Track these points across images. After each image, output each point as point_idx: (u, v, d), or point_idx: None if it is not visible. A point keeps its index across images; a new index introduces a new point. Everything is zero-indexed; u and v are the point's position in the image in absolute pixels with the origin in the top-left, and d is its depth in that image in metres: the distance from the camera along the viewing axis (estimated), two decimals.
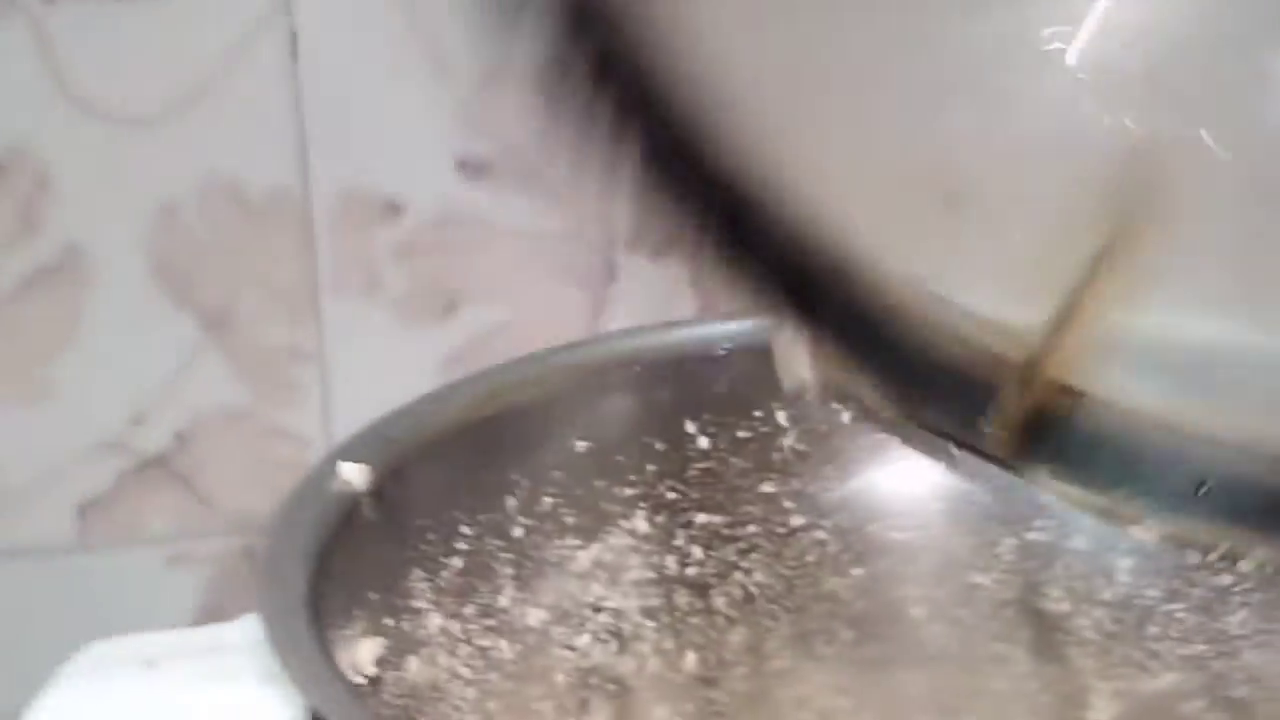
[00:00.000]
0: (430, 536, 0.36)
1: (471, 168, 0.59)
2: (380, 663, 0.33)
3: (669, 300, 0.61)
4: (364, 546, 0.34)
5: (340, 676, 0.28)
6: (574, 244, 0.60)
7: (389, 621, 0.34)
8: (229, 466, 0.60)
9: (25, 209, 0.56)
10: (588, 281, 0.61)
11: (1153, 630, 0.42)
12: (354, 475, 0.34)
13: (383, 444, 0.36)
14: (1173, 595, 0.42)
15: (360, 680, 0.32)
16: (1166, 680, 0.42)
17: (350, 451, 0.35)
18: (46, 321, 0.57)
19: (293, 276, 0.59)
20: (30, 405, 0.58)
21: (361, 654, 0.32)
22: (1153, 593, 0.42)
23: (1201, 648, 0.42)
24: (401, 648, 0.35)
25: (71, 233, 0.56)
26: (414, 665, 0.35)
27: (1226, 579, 0.41)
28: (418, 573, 0.36)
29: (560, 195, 0.59)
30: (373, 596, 0.34)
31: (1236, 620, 0.41)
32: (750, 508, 0.43)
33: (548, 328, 0.61)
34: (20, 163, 0.55)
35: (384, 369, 0.60)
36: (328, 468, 0.34)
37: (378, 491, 0.34)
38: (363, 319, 0.60)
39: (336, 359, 0.60)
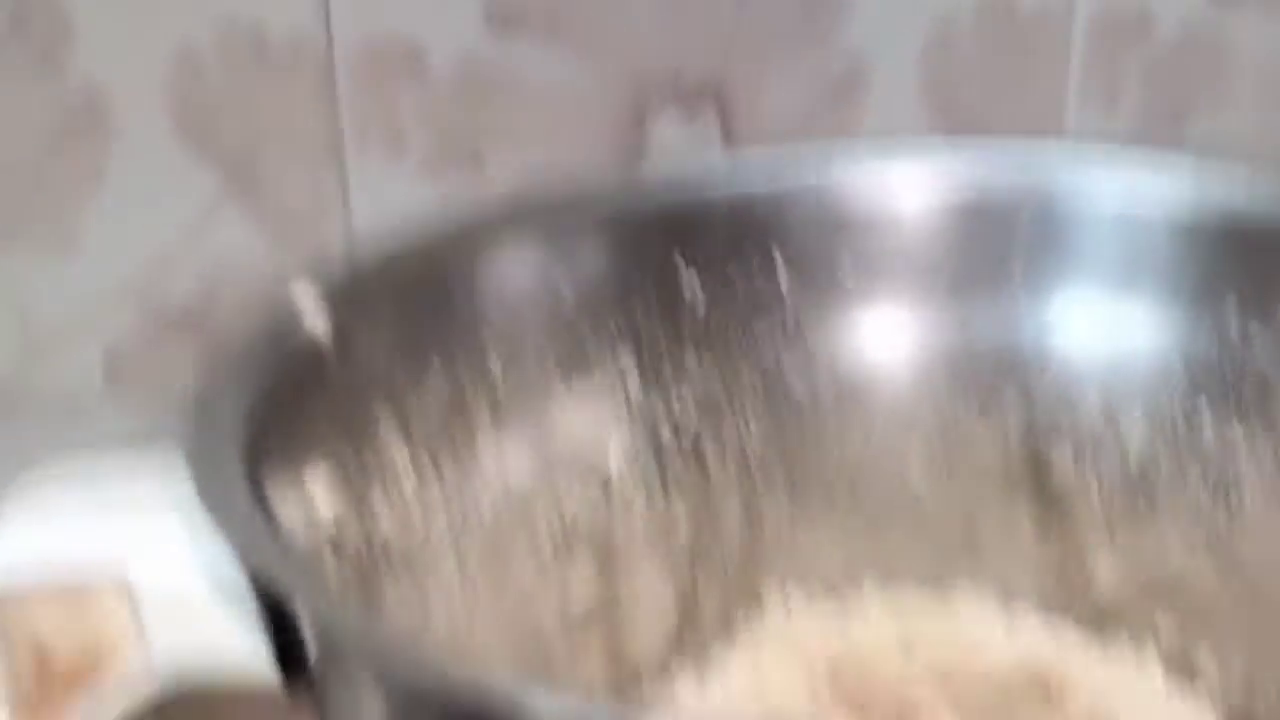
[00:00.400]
0: (400, 379, 0.35)
1: (500, 18, 0.57)
2: (343, 508, 0.32)
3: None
4: (323, 387, 0.33)
5: (265, 520, 0.27)
6: (604, 100, 0.59)
7: (353, 468, 0.33)
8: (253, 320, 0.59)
9: (46, 57, 0.55)
10: (618, 139, 0.59)
11: (1161, 492, 0.41)
12: (316, 319, 0.33)
13: (348, 280, 0.34)
14: (1184, 456, 0.40)
15: (315, 526, 0.31)
16: (1172, 543, 0.41)
17: (311, 287, 0.34)
18: (68, 171, 0.57)
19: (315, 129, 0.58)
20: (54, 254, 0.58)
21: (316, 501, 0.31)
22: (1163, 453, 0.40)
23: (1210, 511, 0.40)
24: (368, 498, 0.34)
25: (92, 81, 0.56)
26: (383, 515, 0.34)
27: (1241, 441, 0.39)
28: (387, 421, 0.35)
29: (590, 49, 0.57)
30: (334, 443, 0.33)
31: (1248, 484, 0.39)
32: (746, 364, 0.41)
33: None
34: (41, 10, 0.54)
35: None
36: (283, 304, 0.33)
37: (339, 334, 0.33)
38: (387, 174, 0.59)
39: (361, 214, 0.60)
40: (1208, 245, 0.40)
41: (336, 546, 0.32)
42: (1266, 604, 0.39)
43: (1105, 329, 0.41)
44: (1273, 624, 0.39)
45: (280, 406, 0.31)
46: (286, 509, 0.30)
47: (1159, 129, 0.61)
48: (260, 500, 0.28)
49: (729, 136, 0.59)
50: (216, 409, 0.29)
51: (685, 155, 0.58)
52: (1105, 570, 0.41)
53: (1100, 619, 0.41)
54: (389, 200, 0.59)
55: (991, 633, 0.41)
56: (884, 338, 0.42)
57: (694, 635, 0.41)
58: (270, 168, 0.58)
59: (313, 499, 0.31)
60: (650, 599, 0.40)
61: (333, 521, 0.32)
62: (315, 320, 0.33)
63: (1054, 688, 0.39)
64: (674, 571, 0.41)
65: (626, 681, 0.40)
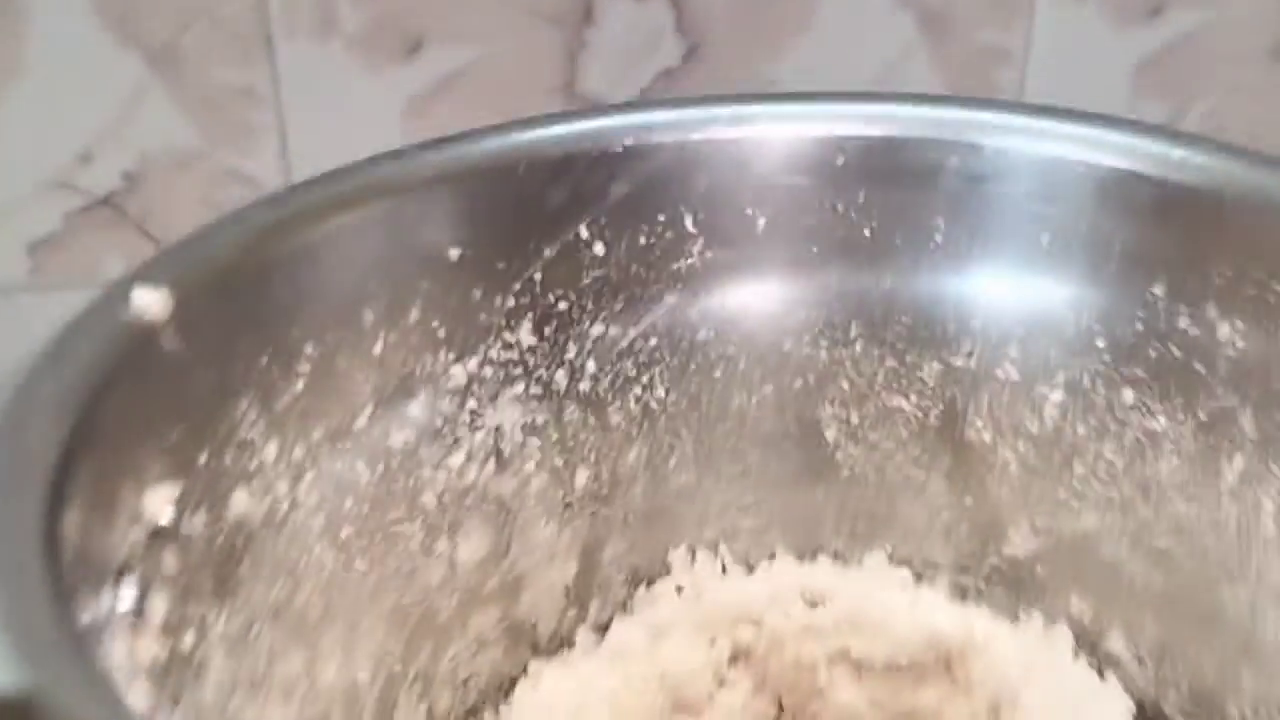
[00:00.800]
0: (262, 360, 0.33)
1: None
2: (187, 505, 0.31)
3: (651, 44, 0.56)
4: (162, 381, 0.31)
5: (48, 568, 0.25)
6: None
7: (202, 458, 0.32)
8: (182, 209, 0.58)
9: None
10: (563, 20, 0.56)
11: (1079, 469, 0.39)
12: (149, 302, 0.31)
13: (193, 262, 0.32)
14: (1103, 435, 0.38)
15: (148, 529, 0.29)
16: (1088, 521, 0.39)
17: (150, 273, 0.31)
18: None
19: (242, 10, 0.55)
20: None
21: (151, 501, 0.30)
22: (1082, 430, 0.39)
23: (1128, 492, 0.38)
24: (222, 484, 0.32)
25: None
26: (241, 500, 0.32)
27: (1162, 423, 0.37)
28: (245, 401, 0.33)
29: None
30: (175, 435, 0.31)
31: (1168, 468, 0.38)
32: (652, 319, 0.39)
33: (520, 70, 0.57)
34: None
35: (344, 112, 0.57)
36: (118, 294, 0.31)
37: (182, 318, 0.31)
38: (319, 58, 0.56)
39: (293, 101, 0.57)
40: (1138, 216, 0.37)
41: (177, 540, 0.30)
42: (1178, 575, 0.37)
43: (1027, 297, 0.39)
44: (1183, 598, 0.37)
45: (108, 409, 0.29)
46: (114, 518, 0.28)
47: (1132, 24, 0.57)
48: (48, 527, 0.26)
49: (681, 27, 0.56)
50: (28, 423, 0.27)
51: (634, 50, 0.55)
52: (1019, 541, 0.40)
53: (1013, 590, 0.40)
54: (320, 85, 0.57)
55: (900, 606, 0.40)
56: (796, 296, 0.40)
57: (594, 599, 0.40)
58: (196, 52, 0.55)
59: (147, 496, 0.29)
60: (547, 561, 0.39)
61: (174, 514, 0.30)
62: (155, 316, 0.31)
63: (957, 664, 0.38)
64: (573, 532, 0.39)
65: (521, 647, 0.39)
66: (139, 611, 0.28)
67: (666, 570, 0.40)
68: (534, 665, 0.39)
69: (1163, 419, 0.37)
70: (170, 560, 0.30)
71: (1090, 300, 0.38)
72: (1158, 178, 0.36)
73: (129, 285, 0.30)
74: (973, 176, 0.38)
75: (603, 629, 0.40)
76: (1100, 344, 0.38)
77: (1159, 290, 0.37)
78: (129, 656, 0.27)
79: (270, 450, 0.33)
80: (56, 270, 0.57)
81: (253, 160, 0.57)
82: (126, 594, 0.28)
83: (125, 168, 0.56)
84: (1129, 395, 0.37)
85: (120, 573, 0.28)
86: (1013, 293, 0.39)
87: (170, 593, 0.29)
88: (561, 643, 0.40)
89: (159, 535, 0.29)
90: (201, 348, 0.31)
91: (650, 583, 0.40)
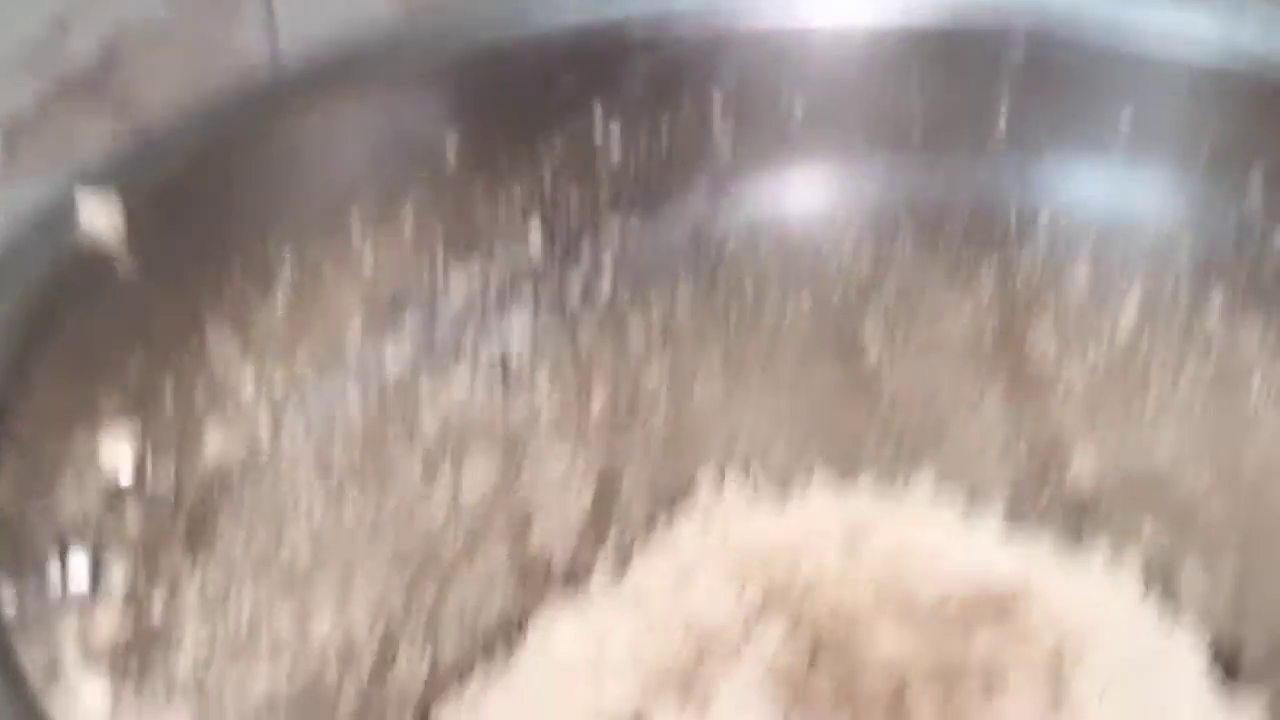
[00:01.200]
0: (234, 277, 0.29)
1: None
2: (151, 451, 0.27)
3: None
4: (116, 307, 0.27)
5: None
6: None
7: (167, 396, 0.28)
8: (164, 88, 0.54)
9: None
10: None
11: (1154, 391, 0.35)
12: (98, 215, 0.27)
13: (149, 167, 0.28)
14: (1184, 355, 0.34)
15: (103, 484, 0.26)
16: (1163, 449, 0.35)
17: (99, 180, 0.27)
18: None
19: None
20: None
21: (107, 451, 0.26)
22: (1160, 348, 0.34)
23: (1210, 420, 0.34)
24: (192, 424, 0.28)
25: None
26: (215, 440, 0.29)
27: (1252, 344, 0.33)
28: (216, 327, 0.29)
29: None
30: (133, 370, 0.27)
31: (1257, 395, 0.33)
32: (675, 221, 0.35)
33: None
34: None
35: None
36: (60, 207, 0.27)
37: (138, 232, 0.27)
38: None
39: None
40: (1234, 104, 0.33)
41: (140, 495, 0.26)
42: (1265, 512, 0.34)
43: (1102, 194, 0.35)
44: (1271, 536, 0.33)
45: (51, 340, 0.25)
46: (58, 475, 0.24)
47: None
48: None
49: None
50: None
51: None
52: (1084, 463, 0.36)
53: (1077, 522, 0.36)
54: None
55: (948, 537, 0.36)
56: (838, 194, 0.35)
57: (613, 529, 0.36)
58: None
59: (102, 446, 0.26)
60: (560, 492, 0.36)
61: (134, 463, 0.26)
62: (106, 233, 0.26)
63: (1013, 608, 0.34)
64: (588, 459, 0.36)
65: (533, 585, 0.36)
66: (94, 585, 0.24)
67: (689, 501, 0.36)
68: (547, 605, 0.35)
69: (1254, 340, 0.33)
70: (132, 519, 0.26)
71: (1175, 201, 0.33)
72: (1261, 54, 0.32)
73: (72, 196, 0.26)
74: (1042, 54, 0.33)
75: (621, 562, 0.36)
76: (1184, 253, 0.33)
77: (1255, 192, 0.33)
78: (81, 641, 0.23)
79: (247, 381, 0.30)
80: (30, 158, 0.53)
81: (237, 33, 0.52)
82: (77, 566, 0.24)
83: (101, 44, 0.52)
84: (1216, 311, 0.33)
85: (68, 541, 0.24)
86: (1085, 190, 0.34)
87: (132, 558, 0.26)
88: (576, 579, 0.36)
89: (117, 490, 0.26)
90: (162, 266, 0.27)
91: (674, 504, 0.36)
